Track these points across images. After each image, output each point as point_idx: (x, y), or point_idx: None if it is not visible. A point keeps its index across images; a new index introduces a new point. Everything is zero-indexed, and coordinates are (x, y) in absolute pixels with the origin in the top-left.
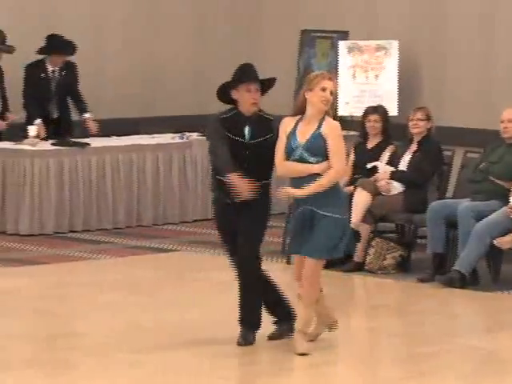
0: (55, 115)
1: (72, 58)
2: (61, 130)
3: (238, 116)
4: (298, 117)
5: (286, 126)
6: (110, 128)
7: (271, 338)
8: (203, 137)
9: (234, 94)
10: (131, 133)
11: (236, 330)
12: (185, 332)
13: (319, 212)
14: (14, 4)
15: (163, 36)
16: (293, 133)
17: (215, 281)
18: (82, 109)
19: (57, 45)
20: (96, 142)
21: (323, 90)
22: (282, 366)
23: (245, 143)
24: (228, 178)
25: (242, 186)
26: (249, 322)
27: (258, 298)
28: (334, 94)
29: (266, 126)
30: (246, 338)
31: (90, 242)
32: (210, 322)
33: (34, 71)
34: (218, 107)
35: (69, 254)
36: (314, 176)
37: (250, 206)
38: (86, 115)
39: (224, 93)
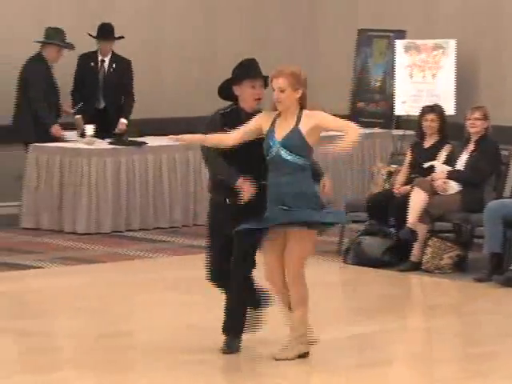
0: (101, 106)
1: (131, 56)
2: (106, 124)
3: (239, 112)
4: (275, 112)
5: (263, 120)
6: (167, 127)
7: None
8: None
9: (237, 90)
10: (188, 132)
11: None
12: None
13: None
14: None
15: (220, 35)
16: (271, 130)
17: None
18: (123, 111)
19: (101, 32)
20: (153, 141)
21: (273, 89)
22: (337, 366)
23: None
24: (237, 184)
25: (248, 189)
26: (233, 329)
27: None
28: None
29: None
30: (230, 345)
31: (147, 240)
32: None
33: (84, 60)
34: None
35: (125, 252)
36: (293, 170)
37: (249, 208)
38: (122, 120)
39: (225, 88)
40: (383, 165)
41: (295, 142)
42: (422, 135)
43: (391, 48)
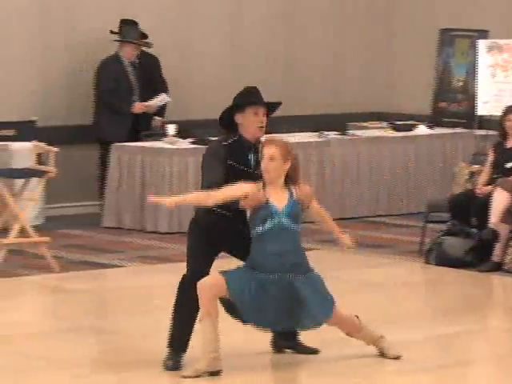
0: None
1: (210, 57)
2: (138, 124)
3: (242, 142)
4: (260, 185)
5: (252, 192)
6: None
7: None
8: (342, 136)
9: (239, 119)
10: (272, 132)
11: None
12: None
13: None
14: (154, 5)
15: (302, 35)
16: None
17: (351, 280)
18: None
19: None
20: None
21: (262, 158)
22: (423, 366)
23: (249, 172)
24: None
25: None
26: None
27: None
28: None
29: None
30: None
31: None
32: None
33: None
34: (354, 107)
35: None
36: (294, 238)
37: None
38: (155, 117)
39: (226, 117)
40: (465, 165)
41: (296, 212)
42: (504, 135)
43: (473, 48)
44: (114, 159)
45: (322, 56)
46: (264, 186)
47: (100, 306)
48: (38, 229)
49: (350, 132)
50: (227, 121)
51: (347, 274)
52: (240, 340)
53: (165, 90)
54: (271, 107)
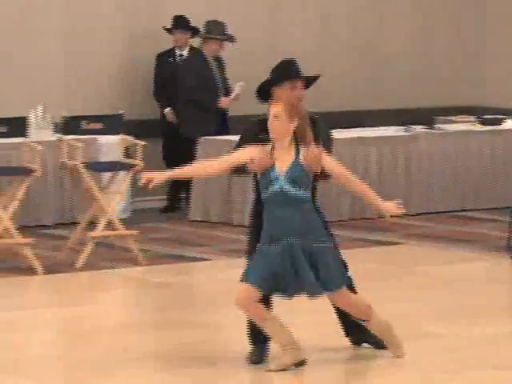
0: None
1: (300, 49)
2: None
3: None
4: (269, 146)
5: (257, 154)
6: (334, 121)
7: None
8: (429, 130)
9: (276, 92)
10: (356, 125)
11: (455, 325)
12: (411, 325)
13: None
14: (241, 8)
15: (389, 28)
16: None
17: (437, 275)
18: None
19: (176, 23)
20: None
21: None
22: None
23: None
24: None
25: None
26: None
27: None
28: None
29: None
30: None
31: None
32: (427, 318)
33: (162, 58)
34: (443, 101)
35: None
36: (297, 203)
37: None
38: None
39: (264, 90)
40: None
41: (298, 175)
42: None
43: None
44: (200, 153)
45: (410, 50)
46: (273, 149)
47: (186, 300)
48: (125, 222)
49: (437, 126)
50: (264, 94)
51: (434, 270)
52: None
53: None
54: (309, 81)
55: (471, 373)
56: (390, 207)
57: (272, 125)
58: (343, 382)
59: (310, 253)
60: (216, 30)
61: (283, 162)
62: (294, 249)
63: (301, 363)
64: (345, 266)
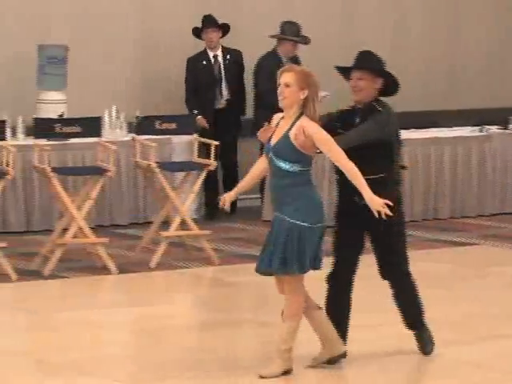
0: (221, 105)
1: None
2: (227, 125)
3: (353, 108)
4: (281, 115)
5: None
6: (409, 121)
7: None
8: (503, 130)
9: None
10: (430, 126)
11: None
12: (487, 326)
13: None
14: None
15: (465, 27)
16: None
17: (510, 276)
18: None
19: (206, 22)
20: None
21: (278, 85)
22: None
23: None
24: None
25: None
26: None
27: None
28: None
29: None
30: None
31: None
32: (503, 319)
33: (194, 62)
34: None
35: (365, 246)
36: (283, 175)
37: None
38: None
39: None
40: None
41: (283, 148)
42: None
43: None
44: None
45: (486, 50)
46: (282, 119)
47: (260, 300)
48: (198, 222)
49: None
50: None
51: (509, 270)
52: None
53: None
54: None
55: None
56: (375, 202)
57: (282, 93)
58: (413, 381)
59: (288, 228)
60: (290, 31)
61: (278, 133)
62: (274, 221)
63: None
64: (316, 256)
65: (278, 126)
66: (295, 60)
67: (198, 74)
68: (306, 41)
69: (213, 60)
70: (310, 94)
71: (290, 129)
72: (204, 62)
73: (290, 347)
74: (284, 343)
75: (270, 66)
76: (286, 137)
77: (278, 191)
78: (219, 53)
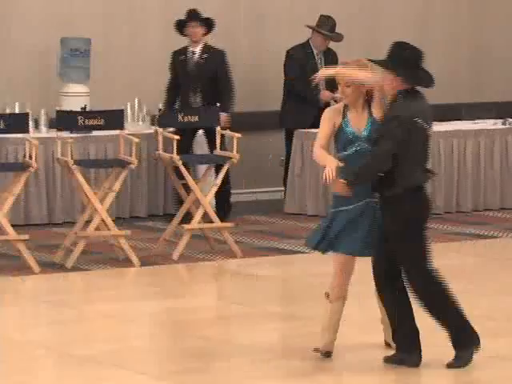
0: (196, 102)
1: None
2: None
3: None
4: (341, 105)
5: (334, 117)
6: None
7: None
8: None
9: None
10: (454, 118)
11: None
12: (507, 319)
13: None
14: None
15: (490, 20)
16: (345, 123)
17: None
18: (221, 106)
19: (189, 17)
20: None
21: (339, 84)
22: None
23: None
24: None
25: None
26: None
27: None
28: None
29: None
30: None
31: None
32: None
33: (176, 56)
34: None
35: None
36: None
37: None
38: (222, 114)
39: None
40: None
41: (375, 133)
42: None
43: None
44: (296, 145)
45: (510, 43)
46: (346, 107)
47: (283, 292)
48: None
49: None
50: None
51: None
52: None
53: (224, 87)
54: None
55: None
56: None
57: (344, 92)
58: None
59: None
60: (325, 26)
61: (361, 123)
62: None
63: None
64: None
65: (348, 117)
66: (328, 54)
67: (176, 69)
68: (338, 38)
69: (190, 55)
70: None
71: (371, 114)
72: (182, 57)
73: None
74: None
75: (299, 56)
76: (373, 123)
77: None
78: (197, 50)
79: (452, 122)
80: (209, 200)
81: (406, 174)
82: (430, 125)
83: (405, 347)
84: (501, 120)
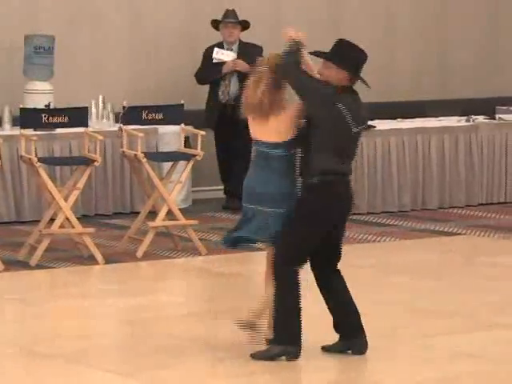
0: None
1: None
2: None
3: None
4: None
5: None
6: (396, 111)
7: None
8: (490, 120)
9: None
10: (418, 115)
11: None
12: (477, 316)
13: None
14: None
15: (452, 18)
16: None
17: (503, 265)
18: None
19: (225, 16)
20: (382, 125)
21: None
22: None
23: None
24: None
25: None
26: None
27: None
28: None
29: None
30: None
31: (375, 224)
32: (493, 309)
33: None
34: (502, 91)
35: (353, 236)
36: None
37: None
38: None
39: None
40: None
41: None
42: None
43: None
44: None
45: (473, 41)
46: None
47: (246, 289)
48: (186, 212)
49: (498, 116)
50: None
51: (497, 260)
52: None
53: None
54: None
55: None
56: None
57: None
58: (405, 371)
59: None
60: (230, 17)
61: None
62: None
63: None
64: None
65: None
66: (245, 47)
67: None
68: (245, 25)
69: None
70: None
71: None
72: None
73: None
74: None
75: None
76: None
77: None
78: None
79: (416, 119)
80: (173, 198)
81: (321, 164)
82: (357, 124)
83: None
84: (465, 117)
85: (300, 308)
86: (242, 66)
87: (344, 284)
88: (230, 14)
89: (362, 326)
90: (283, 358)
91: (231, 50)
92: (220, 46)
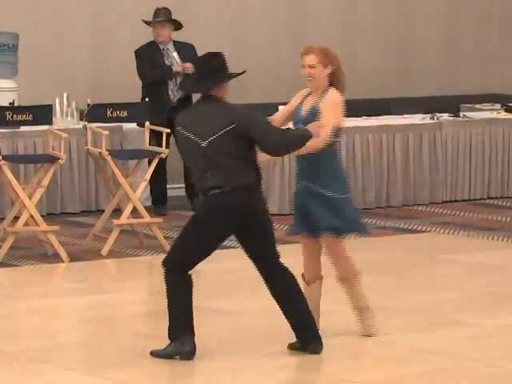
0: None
1: (327, 36)
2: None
3: None
4: (309, 89)
5: (297, 97)
6: (360, 108)
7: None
8: (454, 118)
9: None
10: (382, 113)
11: (484, 314)
12: (438, 313)
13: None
14: None
15: (416, 16)
16: (299, 107)
17: (465, 263)
18: None
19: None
20: (346, 123)
21: (303, 67)
22: None
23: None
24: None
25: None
26: None
27: None
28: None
29: None
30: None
31: None
32: (454, 306)
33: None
34: (466, 89)
35: None
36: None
37: None
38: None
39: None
40: None
41: (312, 120)
42: None
43: None
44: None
45: (436, 38)
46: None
47: (212, 287)
48: (150, 209)
49: (462, 114)
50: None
51: (461, 258)
52: None
53: None
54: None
55: (499, 362)
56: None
57: (310, 74)
58: (365, 368)
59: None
60: (160, 15)
61: (307, 106)
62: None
63: None
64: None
65: (305, 100)
66: (180, 46)
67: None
68: (177, 25)
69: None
70: (335, 68)
71: (318, 101)
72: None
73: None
74: (357, 306)
75: (147, 54)
76: (314, 109)
77: (310, 163)
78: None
79: (380, 117)
80: (138, 195)
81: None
82: (194, 133)
83: None
84: (429, 115)
85: (191, 308)
86: (191, 69)
87: (289, 282)
88: (159, 12)
89: (311, 324)
90: (177, 357)
91: (167, 49)
92: (152, 45)
